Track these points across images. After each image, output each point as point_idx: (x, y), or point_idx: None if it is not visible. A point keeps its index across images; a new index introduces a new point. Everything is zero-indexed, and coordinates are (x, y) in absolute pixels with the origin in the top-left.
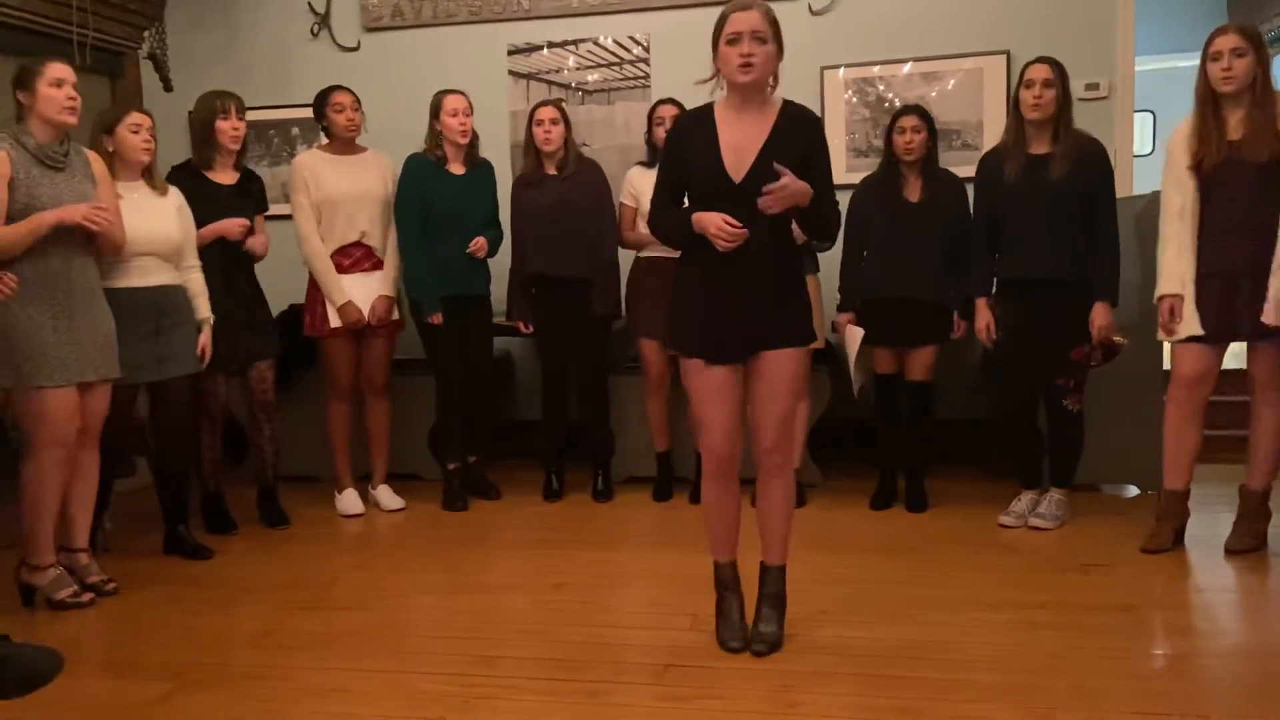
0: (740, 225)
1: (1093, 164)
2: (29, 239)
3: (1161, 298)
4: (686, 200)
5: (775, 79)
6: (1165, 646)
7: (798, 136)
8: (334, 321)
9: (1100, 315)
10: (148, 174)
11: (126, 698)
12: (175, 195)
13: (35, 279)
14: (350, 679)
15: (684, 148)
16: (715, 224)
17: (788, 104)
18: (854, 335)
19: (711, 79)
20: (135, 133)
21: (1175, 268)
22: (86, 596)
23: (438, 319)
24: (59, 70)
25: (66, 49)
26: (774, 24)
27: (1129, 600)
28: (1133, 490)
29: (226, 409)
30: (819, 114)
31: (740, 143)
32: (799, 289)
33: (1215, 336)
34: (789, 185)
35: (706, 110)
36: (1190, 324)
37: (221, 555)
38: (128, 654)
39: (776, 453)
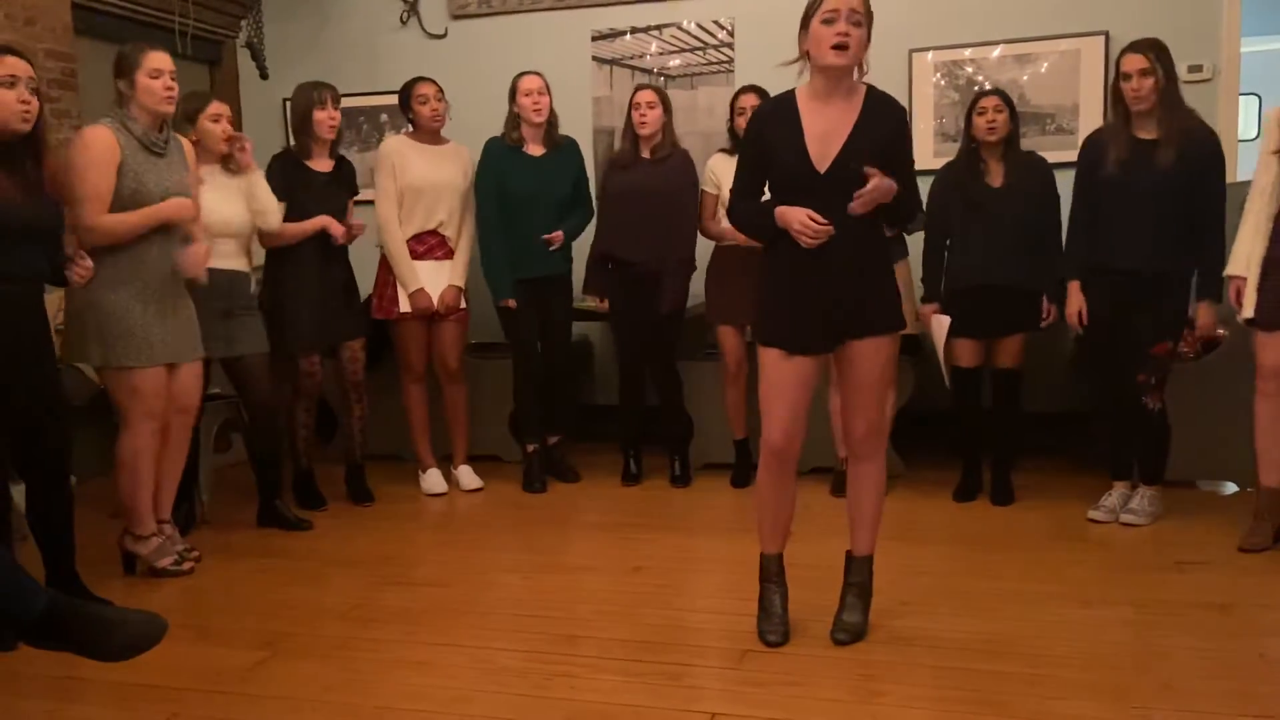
0: (824, 221)
1: (1203, 153)
2: (139, 229)
3: (1230, 278)
4: (768, 189)
5: (863, 67)
6: (1262, 647)
7: (882, 125)
8: (404, 307)
9: (1204, 315)
10: (224, 159)
11: (222, 663)
12: (243, 179)
13: (127, 263)
14: (434, 653)
15: (767, 136)
16: (800, 220)
17: (872, 90)
18: (940, 325)
19: (796, 61)
20: (216, 122)
21: (1244, 249)
22: (187, 565)
23: (511, 304)
24: (157, 60)
25: (168, 38)
26: (869, 10)
27: (1225, 599)
28: (1231, 487)
29: (320, 389)
30: (906, 98)
31: (825, 132)
32: (886, 276)
33: (1267, 323)
34: (878, 186)
35: (789, 97)
36: (1248, 308)
37: (311, 530)
38: (223, 622)
39: (869, 440)
